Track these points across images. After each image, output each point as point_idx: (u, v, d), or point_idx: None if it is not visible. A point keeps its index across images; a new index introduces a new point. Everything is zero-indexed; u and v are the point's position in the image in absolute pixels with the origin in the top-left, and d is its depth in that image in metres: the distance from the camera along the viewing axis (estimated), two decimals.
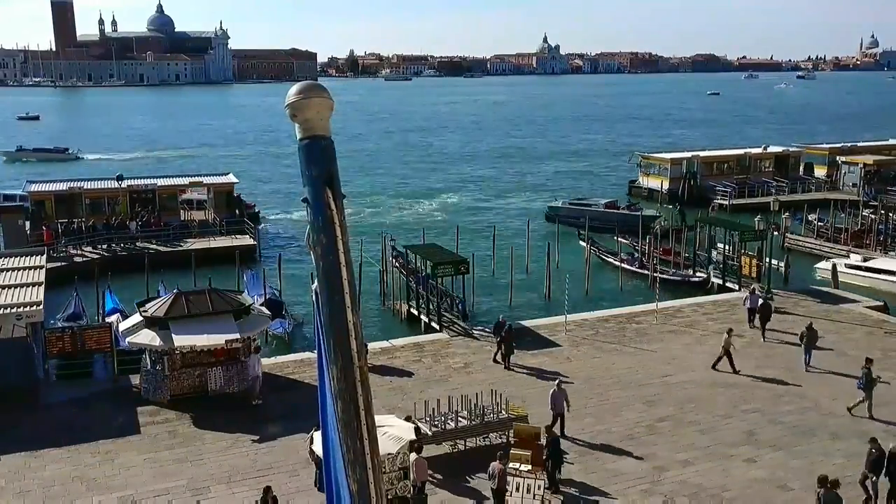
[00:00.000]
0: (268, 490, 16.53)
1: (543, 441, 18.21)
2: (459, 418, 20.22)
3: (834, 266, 36.12)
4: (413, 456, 17.13)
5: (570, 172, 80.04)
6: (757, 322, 28.51)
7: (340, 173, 2.59)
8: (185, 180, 50.05)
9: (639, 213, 47.93)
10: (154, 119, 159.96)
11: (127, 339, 23.58)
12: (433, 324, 29.78)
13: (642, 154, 65.04)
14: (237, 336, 22.90)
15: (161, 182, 49.11)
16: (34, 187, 46.57)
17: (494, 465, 17.03)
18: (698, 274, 36.83)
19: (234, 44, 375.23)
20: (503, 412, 20.61)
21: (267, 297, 31.80)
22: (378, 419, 16.57)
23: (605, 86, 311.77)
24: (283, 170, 79.87)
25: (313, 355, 25.74)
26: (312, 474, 18.37)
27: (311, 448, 17.87)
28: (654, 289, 32.50)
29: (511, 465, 17.44)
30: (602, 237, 42.71)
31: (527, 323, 29.87)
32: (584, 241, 40.76)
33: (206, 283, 29.61)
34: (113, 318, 27.82)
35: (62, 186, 46.47)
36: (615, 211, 49.40)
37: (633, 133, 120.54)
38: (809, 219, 46.46)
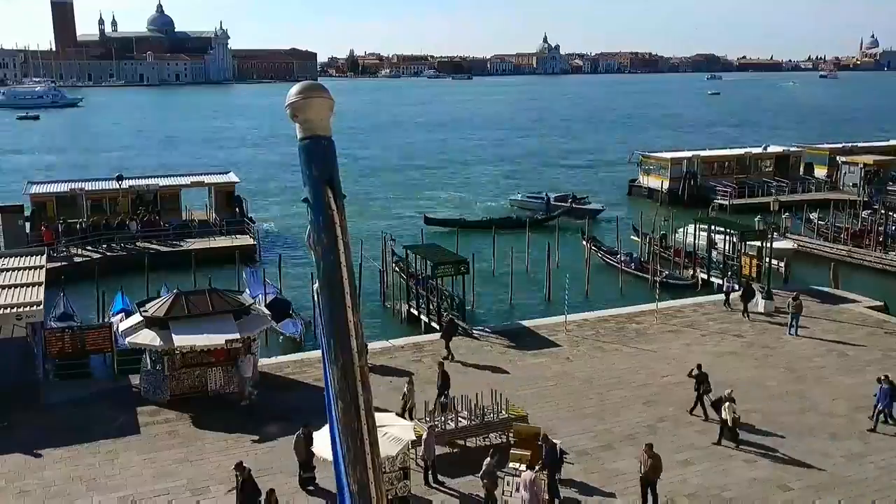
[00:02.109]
0: (271, 493, 16.49)
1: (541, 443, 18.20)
2: (459, 418, 20.22)
3: (834, 266, 36.21)
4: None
5: (575, 172, 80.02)
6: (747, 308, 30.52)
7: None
8: (187, 180, 50.07)
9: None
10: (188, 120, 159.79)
11: (127, 339, 23.58)
12: (433, 324, 29.77)
13: (642, 153, 65.01)
14: (237, 336, 22.89)
15: (162, 182, 49.16)
16: (35, 189, 46.57)
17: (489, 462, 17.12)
18: (693, 276, 36.91)
19: (234, 44, 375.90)
20: (503, 412, 20.60)
21: (273, 296, 31.84)
22: (378, 419, 16.53)
23: (604, 85, 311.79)
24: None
25: (313, 355, 25.78)
26: (313, 475, 18.38)
27: (294, 447, 17.95)
28: (654, 289, 32.51)
29: (511, 464, 17.44)
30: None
31: (527, 323, 29.88)
32: (585, 240, 40.83)
33: (206, 283, 29.61)
34: (115, 319, 27.81)
35: (63, 187, 46.49)
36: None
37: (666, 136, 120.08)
38: (809, 219, 46.49)
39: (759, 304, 30.94)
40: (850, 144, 66.58)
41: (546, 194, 55.88)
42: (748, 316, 30.18)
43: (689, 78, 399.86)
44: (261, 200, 60.74)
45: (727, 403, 20.07)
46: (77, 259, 39.62)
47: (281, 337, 29.75)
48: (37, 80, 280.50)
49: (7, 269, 26.52)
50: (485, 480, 17.08)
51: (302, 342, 29.39)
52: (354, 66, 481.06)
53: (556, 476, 17.64)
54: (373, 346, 26.09)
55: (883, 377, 21.27)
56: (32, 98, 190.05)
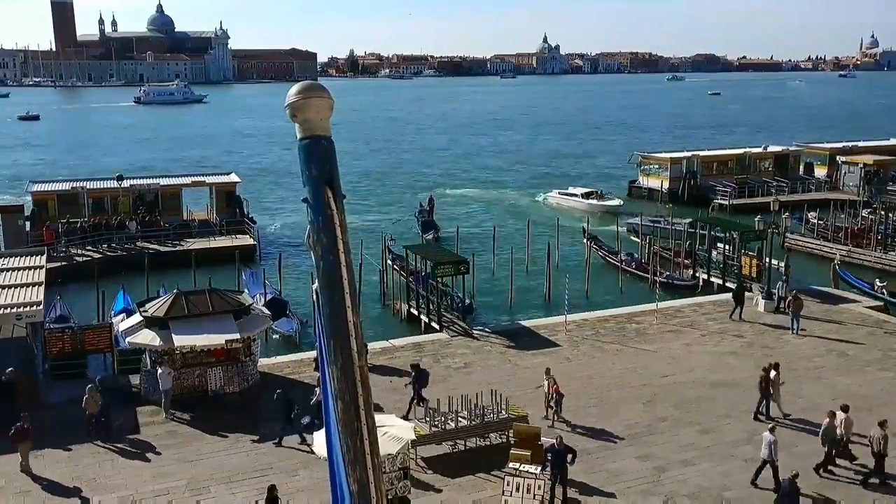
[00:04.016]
0: (272, 489, 16.53)
1: (544, 443, 18.15)
2: (459, 418, 20.22)
3: (834, 267, 36.21)
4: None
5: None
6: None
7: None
8: (188, 180, 50.07)
9: None
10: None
11: (127, 339, 23.58)
12: (433, 324, 29.77)
13: (642, 154, 64.98)
14: (237, 336, 22.89)
15: (163, 182, 49.15)
16: (37, 187, 46.61)
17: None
18: (694, 276, 36.93)
19: (234, 44, 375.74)
20: (503, 412, 20.60)
21: (270, 296, 31.82)
22: (378, 419, 16.54)
23: (604, 85, 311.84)
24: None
25: (311, 355, 25.76)
26: (312, 474, 18.39)
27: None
28: (654, 289, 32.53)
29: (511, 464, 17.43)
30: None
31: (527, 323, 29.88)
32: (585, 240, 40.87)
33: (206, 283, 29.61)
34: (116, 319, 27.81)
35: (65, 186, 46.51)
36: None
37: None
38: (809, 219, 46.50)
39: (758, 304, 30.98)
40: (850, 144, 66.60)
41: (420, 204, 53.79)
42: (740, 318, 29.83)
43: (651, 79, 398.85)
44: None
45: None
46: (77, 259, 39.59)
47: (276, 336, 29.83)
48: (37, 79, 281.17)
49: (7, 269, 26.52)
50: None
51: (297, 340, 29.55)
52: (354, 66, 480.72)
53: (558, 478, 17.61)
54: (373, 346, 26.08)
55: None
56: (165, 95, 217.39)
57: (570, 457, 17.62)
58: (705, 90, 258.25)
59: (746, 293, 30.97)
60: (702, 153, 62.28)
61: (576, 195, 57.07)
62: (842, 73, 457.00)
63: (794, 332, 28.31)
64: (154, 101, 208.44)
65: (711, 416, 21.81)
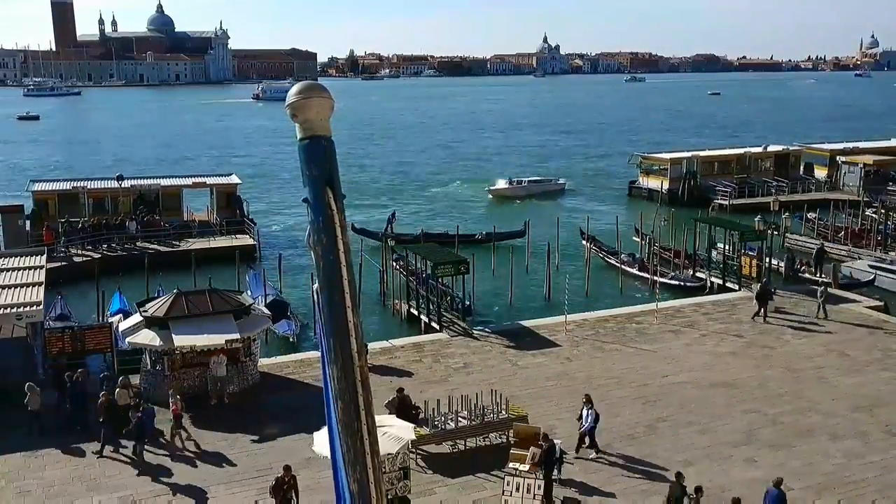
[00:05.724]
0: (287, 469, 16.67)
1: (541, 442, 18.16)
2: (459, 418, 20.22)
3: (834, 266, 36.25)
4: None
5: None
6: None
7: None
8: (188, 181, 50.06)
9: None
10: None
11: (127, 339, 23.57)
12: (433, 324, 29.77)
13: (642, 155, 64.95)
14: (237, 336, 22.89)
15: (164, 182, 49.14)
16: (37, 186, 46.62)
17: None
18: (697, 276, 36.90)
19: (234, 44, 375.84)
20: (503, 412, 20.60)
21: (272, 297, 31.85)
22: (378, 419, 16.51)
23: (606, 84, 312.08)
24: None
25: (313, 355, 25.78)
26: (312, 474, 18.37)
27: None
28: (655, 289, 32.53)
29: (511, 464, 17.44)
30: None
31: (527, 323, 29.87)
32: (585, 241, 40.84)
33: (206, 283, 29.62)
34: (113, 320, 27.80)
35: (65, 186, 46.52)
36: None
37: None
38: (809, 219, 46.50)
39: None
40: (850, 145, 66.59)
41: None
42: (765, 320, 29.50)
43: (613, 79, 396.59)
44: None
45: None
46: (77, 259, 39.58)
47: (277, 337, 29.85)
48: (37, 79, 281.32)
49: (7, 269, 26.52)
50: None
51: (296, 341, 29.56)
52: (354, 66, 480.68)
53: (552, 476, 17.63)
54: (373, 346, 26.07)
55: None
56: (281, 92, 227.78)
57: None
58: (673, 92, 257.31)
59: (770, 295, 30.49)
60: (702, 153, 62.27)
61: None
62: (857, 72, 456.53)
63: (822, 317, 29.57)
64: (271, 97, 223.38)
65: (711, 416, 21.81)
